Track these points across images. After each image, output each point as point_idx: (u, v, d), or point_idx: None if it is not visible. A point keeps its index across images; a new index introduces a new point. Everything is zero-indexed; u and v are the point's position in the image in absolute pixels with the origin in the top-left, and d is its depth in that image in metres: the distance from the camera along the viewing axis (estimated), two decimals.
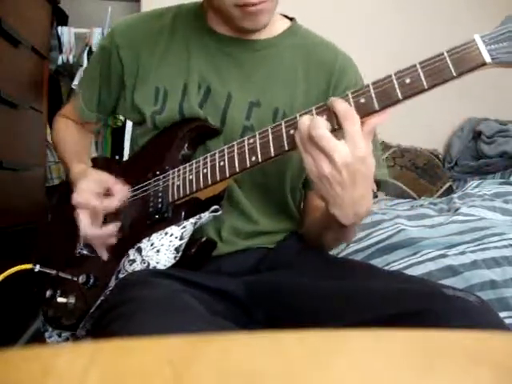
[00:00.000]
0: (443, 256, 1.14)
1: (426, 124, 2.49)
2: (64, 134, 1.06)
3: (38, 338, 0.97)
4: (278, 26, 0.93)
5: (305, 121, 0.68)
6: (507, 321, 0.96)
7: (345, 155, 0.65)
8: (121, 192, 0.86)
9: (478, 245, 1.18)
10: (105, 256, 0.87)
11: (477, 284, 1.06)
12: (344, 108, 0.67)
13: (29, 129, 1.85)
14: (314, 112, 0.70)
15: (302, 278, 0.79)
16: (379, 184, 0.89)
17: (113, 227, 0.85)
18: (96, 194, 0.85)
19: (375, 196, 2.22)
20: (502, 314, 0.67)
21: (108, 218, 0.87)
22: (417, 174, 2.35)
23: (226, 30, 0.89)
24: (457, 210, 1.49)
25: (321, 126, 0.66)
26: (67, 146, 1.03)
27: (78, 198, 0.84)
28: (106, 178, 0.87)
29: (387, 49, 2.54)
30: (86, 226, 0.84)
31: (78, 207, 0.84)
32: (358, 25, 2.55)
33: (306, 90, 0.90)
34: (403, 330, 0.29)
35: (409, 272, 1.09)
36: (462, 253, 1.15)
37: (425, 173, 2.37)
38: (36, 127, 1.93)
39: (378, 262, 1.19)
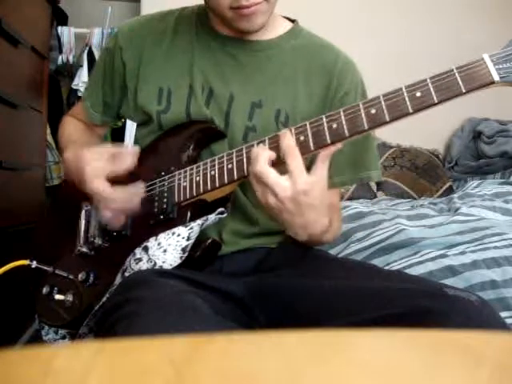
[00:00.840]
0: (443, 256, 1.14)
1: (426, 124, 2.49)
2: (71, 128, 1.05)
3: (38, 338, 0.97)
4: (280, 27, 0.93)
5: (252, 154, 0.72)
6: (508, 321, 0.96)
7: (285, 189, 0.69)
8: (131, 152, 0.84)
9: (478, 245, 1.18)
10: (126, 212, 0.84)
11: (477, 284, 1.06)
12: (286, 143, 0.70)
13: (29, 129, 1.85)
14: (266, 142, 0.75)
15: (302, 278, 0.79)
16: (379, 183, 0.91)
17: (138, 185, 0.84)
18: (105, 160, 0.82)
19: (375, 196, 2.22)
20: (502, 314, 0.67)
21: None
22: (417, 174, 2.35)
23: (227, 30, 0.90)
24: (457, 210, 1.49)
25: (260, 160, 0.70)
26: (71, 136, 1.02)
27: (89, 169, 0.81)
28: (107, 147, 0.85)
29: (388, 49, 2.54)
30: (107, 189, 0.80)
31: (90, 178, 0.80)
32: (358, 25, 2.55)
33: (308, 92, 0.90)
34: (404, 330, 0.29)
35: (409, 272, 1.09)
36: (462, 253, 1.15)
37: (425, 173, 2.37)
38: (36, 127, 1.93)
39: (378, 261, 1.19)
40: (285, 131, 0.72)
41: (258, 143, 0.77)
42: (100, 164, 0.81)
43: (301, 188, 0.68)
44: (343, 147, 0.73)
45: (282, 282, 0.79)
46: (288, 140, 0.71)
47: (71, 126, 1.06)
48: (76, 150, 0.88)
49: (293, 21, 0.97)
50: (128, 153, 0.84)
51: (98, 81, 1.01)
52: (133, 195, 0.83)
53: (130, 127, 2.31)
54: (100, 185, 0.80)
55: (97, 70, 1.03)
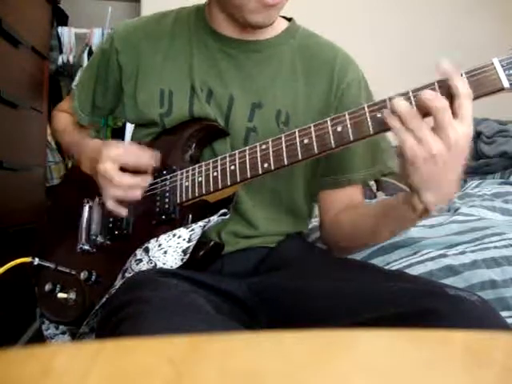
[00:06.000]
0: (443, 256, 1.14)
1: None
2: (65, 124, 1.06)
3: (38, 338, 0.97)
4: (277, 26, 0.92)
5: (403, 102, 0.64)
6: (507, 321, 0.96)
7: (460, 132, 0.62)
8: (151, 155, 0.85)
9: (478, 245, 1.18)
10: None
11: (477, 284, 1.06)
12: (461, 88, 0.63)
13: (29, 129, 1.85)
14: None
15: (303, 278, 0.79)
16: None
17: (145, 178, 0.83)
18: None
19: (375, 196, 2.22)
20: (502, 314, 0.67)
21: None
22: None
23: (228, 30, 0.89)
24: (457, 209, 1.49)
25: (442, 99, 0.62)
26: (72, 133, 1.03)
27: (109, 151, 0.82)
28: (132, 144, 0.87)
29: (389, 49, 2.54)
30: (116, 171, 0.81)
31: (104, 159, 0.81)
32: (361, 24, 2.55)
33: (308, 91, 0.90)
34: (405, 330, 0.29)
35: (409, 272, 1.09)
36: (462, 253, 1.15)
37: None
38: (36, 127, 1.93)
39: (378, 261, 1.19)
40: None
41: (260, 145, 0.77)
42: (118, 151, 0.82)
43: (471, 134, 0.63)
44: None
45: (283, 282, 0.79)
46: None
47: (63, 120, 1.07)
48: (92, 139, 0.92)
49: (289, 19, 0.96)
50: (150, 154, 0.84)
51: (90, 82, 1.00)
52: (137, 185, 0.83)
53: (131, 127, 2.31)
54: (111, 166, 0.81)
55: (88, 71, 1.02)
